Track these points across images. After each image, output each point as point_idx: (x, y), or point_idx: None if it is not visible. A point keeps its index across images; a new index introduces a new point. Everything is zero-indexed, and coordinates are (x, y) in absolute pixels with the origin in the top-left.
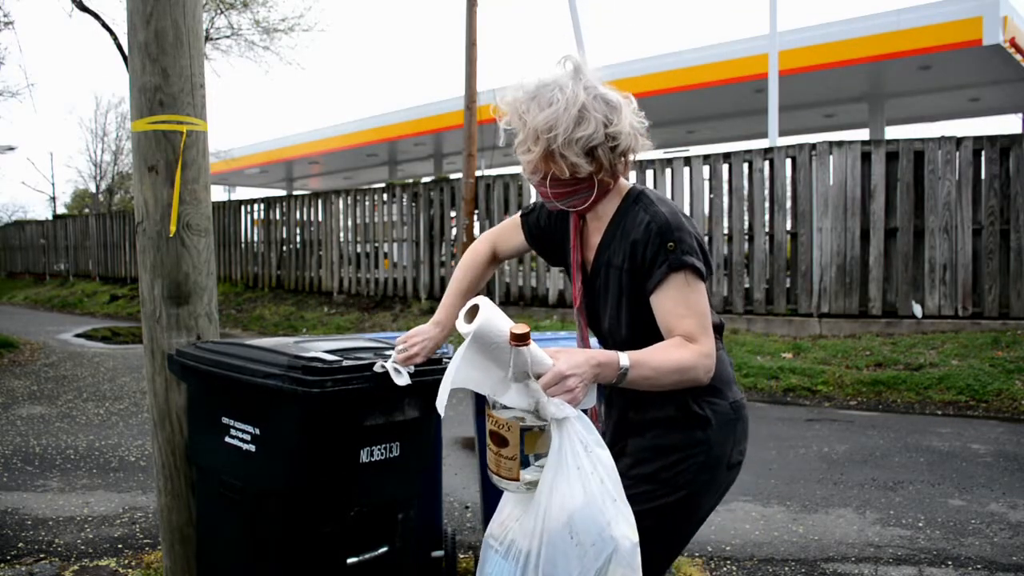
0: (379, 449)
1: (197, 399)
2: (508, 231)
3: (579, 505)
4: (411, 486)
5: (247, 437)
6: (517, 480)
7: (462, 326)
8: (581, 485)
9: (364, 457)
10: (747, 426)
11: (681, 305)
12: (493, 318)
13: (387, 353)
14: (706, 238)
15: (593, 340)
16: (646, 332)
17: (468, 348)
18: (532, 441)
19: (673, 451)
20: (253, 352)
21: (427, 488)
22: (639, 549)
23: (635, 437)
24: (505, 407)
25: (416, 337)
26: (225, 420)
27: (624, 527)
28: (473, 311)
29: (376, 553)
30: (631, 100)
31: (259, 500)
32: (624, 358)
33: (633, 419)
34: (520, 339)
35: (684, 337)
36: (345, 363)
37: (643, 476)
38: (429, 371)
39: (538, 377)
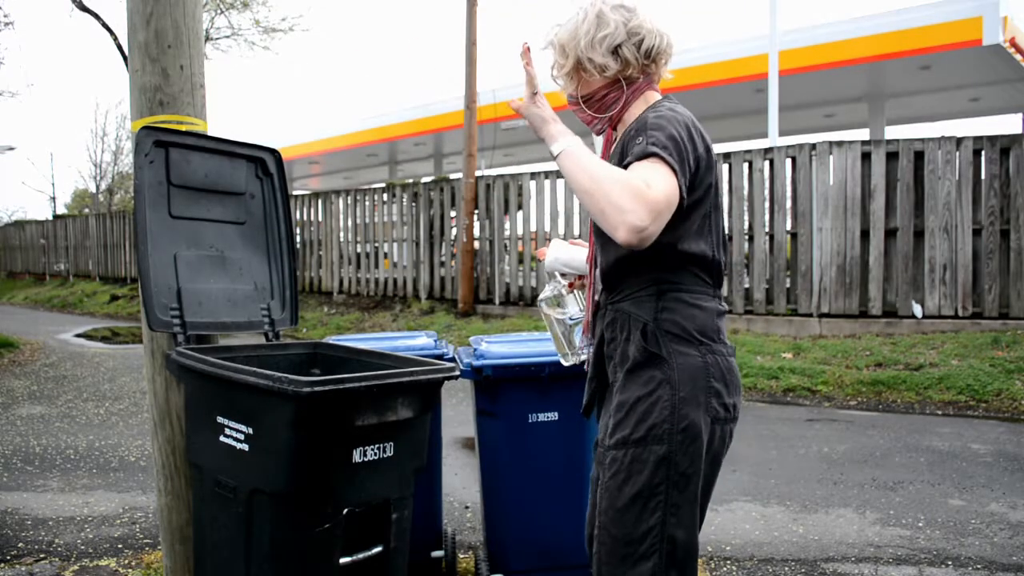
0: (372, 449)
1: (193, 399)
2: None
3: None
4: (405, 486)
5: (240, 436)
6: (566, 352)
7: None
8: None
9: (357, 457)
10: (729, 377)
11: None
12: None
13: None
14: None
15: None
16: (625, 255)
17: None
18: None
19: (639, 402)
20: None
21: (427, 488)
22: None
23: (614, 386)
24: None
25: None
26: (220, 419)
27: None
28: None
29: (370, 553)
30: (650, 7)
31: (252, 499)
32: (562, 142)
33: (607, 352)
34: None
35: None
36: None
37: (621, 441)
38: (422, 371)
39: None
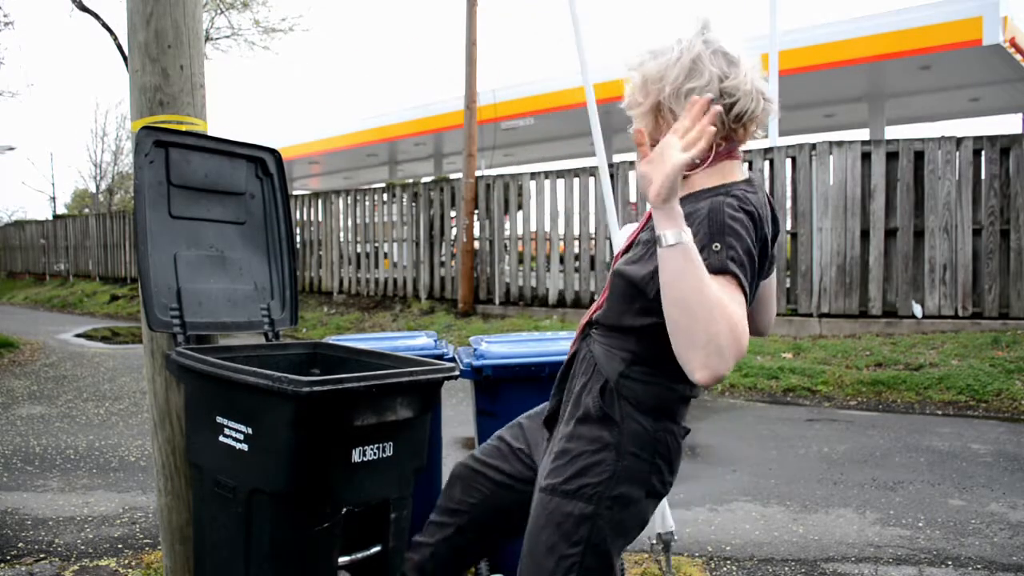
0: (372, 449)
1: (193, 399)
2: None
3: None
4: (405, 486)
5: (240, 436)
6: None
7: None
8: None
9: (356, 457)
10: (675, 457)
11: None
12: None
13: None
14: None
15: None
16: (643, 328)
17: None
18: None
19: (580, 456)
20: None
21: (427, 488)
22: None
23: (562, 424)
24: None
25: None
26: (219, 419)
27: None
28: None
29: (368, 553)
30: (756, 61)
31: (251, 499)
32: (684, 233)
33: (572, 377)
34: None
35: None
36: None
37: (550, 487)
38: (422, 371)
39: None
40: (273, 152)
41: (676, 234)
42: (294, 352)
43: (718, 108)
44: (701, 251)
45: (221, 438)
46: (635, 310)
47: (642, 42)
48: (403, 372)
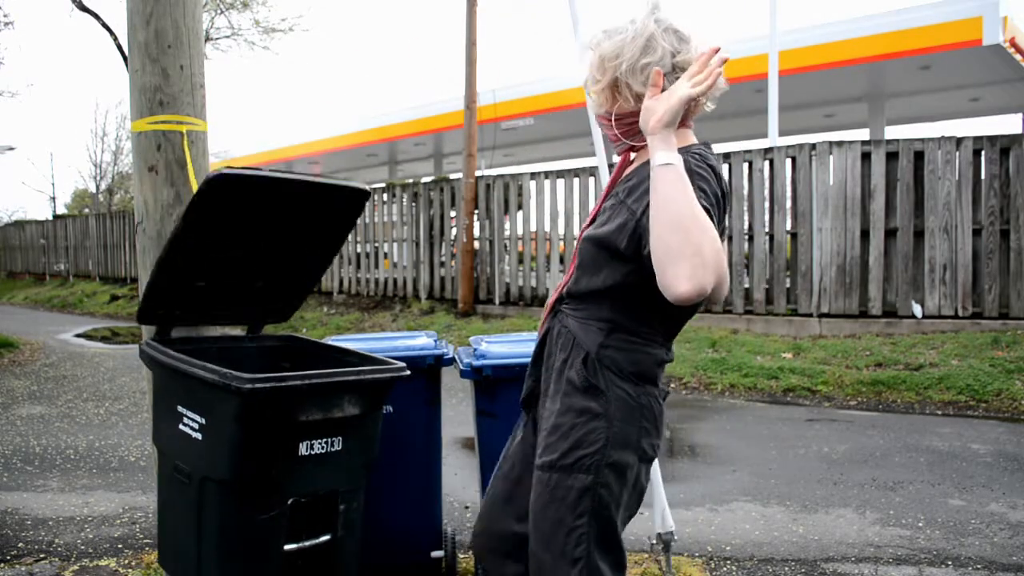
0: (319, 443)
1: (159, 387)
2: None
3: None
4: (355, 479)
5: (196, 426)
6: None
7: None
8: None
9: (303, 450)
10: (660, 420)
11: None
12: None
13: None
14: None
15: None
16: (614, 287)
17: None
18: None
19: (573, 429)
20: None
21: (427, 488)
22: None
23: (548, 401)
24: None
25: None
26: (180, 408)
27: None
28: None
29: (316, 541)
30: (705, 38)
31: (203, 486)
32: (673, 154)
33: (546, 360)
34: None
35: None
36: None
37: (548, 464)
38: (369, 370)
39: None
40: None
41: (670, 155)
42: (267, 345)
43: (726, 55)
44: None
45: (180, 426)
46: (606, 270)
47: (599, 25)
48: (347, 372)
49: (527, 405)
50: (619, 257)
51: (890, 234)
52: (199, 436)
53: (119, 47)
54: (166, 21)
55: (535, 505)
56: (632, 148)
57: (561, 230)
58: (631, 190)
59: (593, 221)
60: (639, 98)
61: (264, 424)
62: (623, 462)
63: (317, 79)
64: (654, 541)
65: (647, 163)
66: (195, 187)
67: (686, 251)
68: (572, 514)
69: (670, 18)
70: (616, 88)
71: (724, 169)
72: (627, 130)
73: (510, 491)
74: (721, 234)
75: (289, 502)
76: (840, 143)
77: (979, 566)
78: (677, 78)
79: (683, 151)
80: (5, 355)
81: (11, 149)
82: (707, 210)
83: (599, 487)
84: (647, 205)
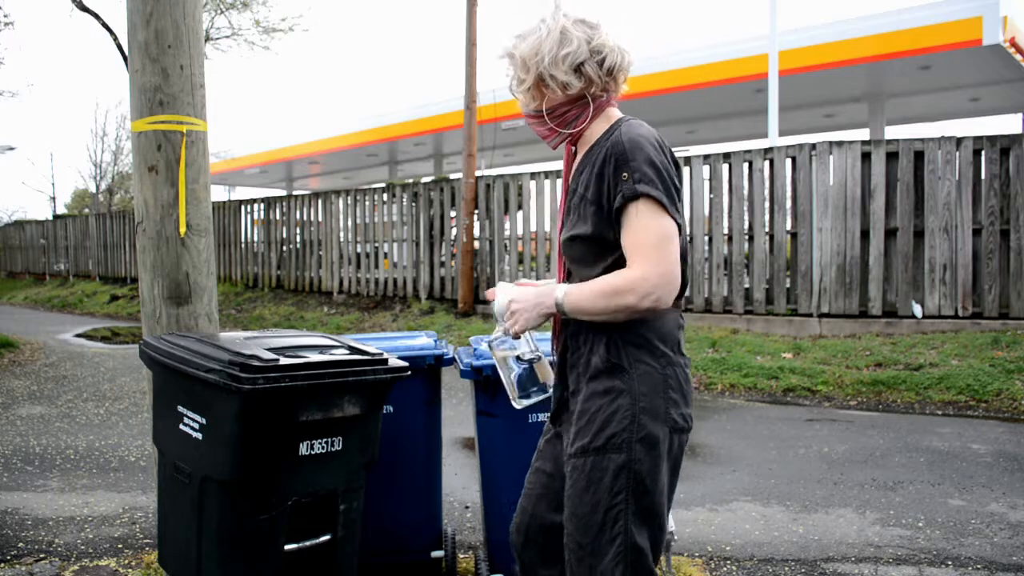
0: (320, 443)
1: (159, 387)
2: None
3: None
4: (354, 478)
5: (196, 425)
6: (515, 396)
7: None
8: None
9: (304, 450)
10: (687, 388)
11: (630, 235)
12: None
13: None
14: (706, 238)
15: None
16: (612, 267)
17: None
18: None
19: (600, 411)
20: (203, 347)
21: (427, 488)
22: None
23: (577, 395)
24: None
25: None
26: (180, 408)
27: None
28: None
29: (317, 541)
30: (611, 26)
31: (203, 486)
32: (561, 289)
33: (571, 362)
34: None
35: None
36: (282, 361)
37: (581, 449)
38: (369, 370)
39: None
40: None
41: (559, 293)
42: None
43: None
44: (615, 189)
45: (181, 426)
46: (599, 258)
47: (511, 31)
48: (347, 372)
49: (555, 421)
50: (610, 246)
51: (890, 234)
52: (199, 436)
53: (119, 47)
54: (166, 21)
55: (572, 491)
56: (571, 138)
57: None
58: (588, 184)
59: (563, 226)
60: (565, 87)
61: (264, 424)
62: (654, 435)
63: (317, 79)
64: None
65: (591, 149)
66: (184, 187)
67: (620, 307)
68: (609, 494)
69: (575, 11)
70: (542, 83)
71: (724, 169)
72: (560, 121)
73: (545, 484)
74: (678, 194)
75: (289, 502)
76: (840, 143)
77: (979, 566)
78: (597, 62)
79: (614, 128)
80: (5, 355)
81: (11, 149)
82: (647, 194)
83: (633, 463)
84: (613, 194)
